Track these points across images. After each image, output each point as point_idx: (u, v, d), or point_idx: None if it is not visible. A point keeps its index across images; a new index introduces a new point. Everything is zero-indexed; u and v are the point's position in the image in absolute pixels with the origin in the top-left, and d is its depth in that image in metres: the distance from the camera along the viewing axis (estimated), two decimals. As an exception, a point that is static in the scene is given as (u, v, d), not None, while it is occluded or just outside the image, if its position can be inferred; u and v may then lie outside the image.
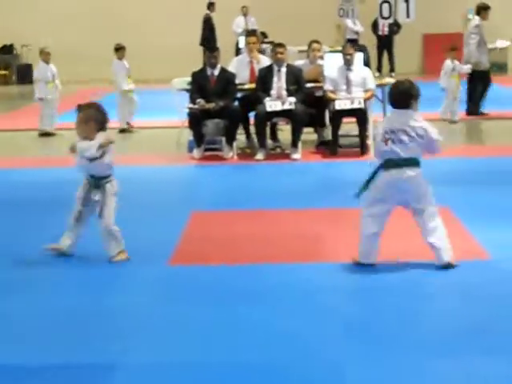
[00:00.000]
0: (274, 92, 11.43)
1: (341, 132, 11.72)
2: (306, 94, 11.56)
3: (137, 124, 14.50)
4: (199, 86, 11.49)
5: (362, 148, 11.48)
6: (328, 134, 11.95)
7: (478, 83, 15.01)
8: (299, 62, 12.50)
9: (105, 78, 18.59)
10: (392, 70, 22.67)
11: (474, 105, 15.08)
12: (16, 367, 4.77)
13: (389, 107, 6.76)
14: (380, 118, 9.72)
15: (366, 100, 11.47)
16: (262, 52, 13.26)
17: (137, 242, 6.93)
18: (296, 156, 11.34)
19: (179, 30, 24.25)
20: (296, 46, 16.86)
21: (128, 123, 14.41)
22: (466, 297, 5.83)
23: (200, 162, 11.31)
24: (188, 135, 11.97)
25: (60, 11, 24.72)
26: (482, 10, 15.18)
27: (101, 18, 24.68)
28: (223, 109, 11.30)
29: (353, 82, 11.58)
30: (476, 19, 15.23)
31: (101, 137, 6.56)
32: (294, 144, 11.42)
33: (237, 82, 11.74)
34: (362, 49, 15.99)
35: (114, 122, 10.08)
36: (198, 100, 11.29)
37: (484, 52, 15.05)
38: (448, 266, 6.29)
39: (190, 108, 11.49)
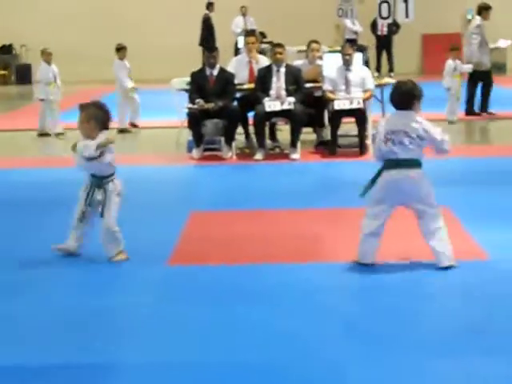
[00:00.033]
0: (273, 92, 11.42)
1: (340, 132, 11.72)
2: (305, 94, 11.55)
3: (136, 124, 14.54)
4: (198, 86, 11.49)
5: (361, 148, 11.48)
6: (327, 134, 11.94)
7: (478, 83, 15.00)
8: (298, 62, 12.50)
9: (105, 79, 18.60)
10: (391, 70, 22.69)
11: (472, 105, 15.08)
12: (16, 367, 4.77)
13: (388, 107, 6.75)
14: (379, 118, 9.70)
15: (365, 100, 11.47)
16: (261, 52, 13.25)
17: (136, 242, 6.93)
18: (295, 156, 11.33)
19: (179, 30, 24.25)
20: (295, 46, 16.88)
21: (132, 123, 14.40)
22: (465, 297, 5.84)
23: (199, 162, 11.30)
24: (187, 135, 11.96)
25: (60, 11, 24.72)
26: (484, 10, 15.14)
27: (101, 18, 24.68)
28: (222, 109, 11.29)
29: (352, 82, 11.57)
30: (477, 19, 15.19)
31: (102, 136, 6.55)
32: (293, 144, 11.41)
33: (236, 82, 11.73)
34: (362, 49, 16.01)
35: (113, 122, 10.05)
36: (197, 100, 11.28)
37: (485, 52, 15.03)
38: (448, 267, 6.30)
39: (189, 108, 11.48)
